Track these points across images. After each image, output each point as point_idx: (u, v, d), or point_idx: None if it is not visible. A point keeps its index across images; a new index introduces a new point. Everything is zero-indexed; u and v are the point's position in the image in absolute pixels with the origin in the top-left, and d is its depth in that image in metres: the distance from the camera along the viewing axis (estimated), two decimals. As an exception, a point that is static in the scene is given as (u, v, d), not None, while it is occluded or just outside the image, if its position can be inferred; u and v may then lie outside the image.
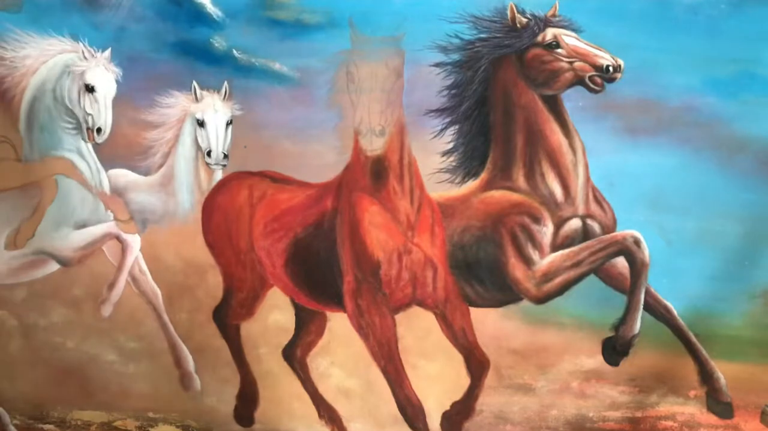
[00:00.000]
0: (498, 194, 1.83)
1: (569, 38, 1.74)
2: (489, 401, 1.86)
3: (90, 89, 1.84)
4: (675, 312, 1.80)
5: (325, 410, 1.95)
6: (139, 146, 1.86)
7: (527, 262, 1.80)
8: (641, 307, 1.78)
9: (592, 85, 1.73)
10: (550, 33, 1.75)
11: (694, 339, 1.80)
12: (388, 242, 1.81)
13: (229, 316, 1.93)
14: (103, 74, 1.84)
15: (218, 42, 1.75)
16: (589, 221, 1.81)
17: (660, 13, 1.63)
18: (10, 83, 1.85)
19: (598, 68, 1.71)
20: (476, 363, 1.84)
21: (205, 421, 1.95)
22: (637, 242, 1.77)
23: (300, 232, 1.85)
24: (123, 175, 1.93)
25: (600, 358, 1.81)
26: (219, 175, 1.90)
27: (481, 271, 1.83)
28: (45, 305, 1.92)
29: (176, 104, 1.88)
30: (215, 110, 1.85)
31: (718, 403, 1.84)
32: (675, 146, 1.70)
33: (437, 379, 1.87)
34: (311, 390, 1.94)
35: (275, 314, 1.90)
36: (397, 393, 1.86)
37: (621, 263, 1.78)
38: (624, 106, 1.70)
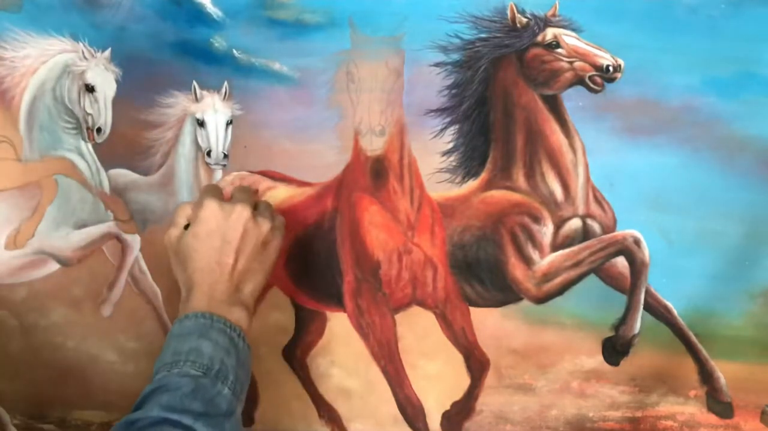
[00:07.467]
0: (498, 194, 1.83)
1: (569, 38, 1.74)
2: (489, 401, 1.86)
3: (90, 89, 1.83)
4: (675, 312, 1.79)
5: (325, 410, 1.94)
6: (139, 146, 1.85)
7: (527, 262, 1.80)
8: (641, 307, 1.78)
9: (592, 85, 1.73)
10: (550, 33, 1.75)
11: (694, 338, 1.80)
12: (388, 242, 1.81)
13: (229, 316, 1.93)
14: (103, 74, 1.84)
15: (218, 42, 1.75)
16: (589, 221, 1.81)
17: (660, 13, 1.63)
18: (10, 83, 1.84)
19: (598, 68, 1.71)
20: (476, 363, 1.84)
21: (205, 421, 1.95)
22: (637, 242, 1.77)
23: (300, 232, 1.84)
24: (123, 175, 1.93)
25: (600, 358, 1.81)
26: (219, 175, 1.89)
27: (481, 271, 1.83)
28: (45, 305, 1.91)
29: (176, 104, 1.87)
30: (215, 109, 1.85)
31: (718, 403, 1.83)
32: (675, 146, 1.69)
33: (437, 379, 1.87)
34: (311, 390, 1.93)
35: (275, 314, 1.89)
36: (397, 393, 1.86)
37: (621, 262, 1.78)
38: (624, 106, 1.70)
